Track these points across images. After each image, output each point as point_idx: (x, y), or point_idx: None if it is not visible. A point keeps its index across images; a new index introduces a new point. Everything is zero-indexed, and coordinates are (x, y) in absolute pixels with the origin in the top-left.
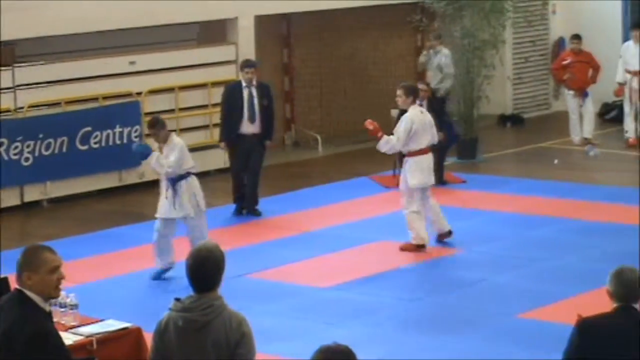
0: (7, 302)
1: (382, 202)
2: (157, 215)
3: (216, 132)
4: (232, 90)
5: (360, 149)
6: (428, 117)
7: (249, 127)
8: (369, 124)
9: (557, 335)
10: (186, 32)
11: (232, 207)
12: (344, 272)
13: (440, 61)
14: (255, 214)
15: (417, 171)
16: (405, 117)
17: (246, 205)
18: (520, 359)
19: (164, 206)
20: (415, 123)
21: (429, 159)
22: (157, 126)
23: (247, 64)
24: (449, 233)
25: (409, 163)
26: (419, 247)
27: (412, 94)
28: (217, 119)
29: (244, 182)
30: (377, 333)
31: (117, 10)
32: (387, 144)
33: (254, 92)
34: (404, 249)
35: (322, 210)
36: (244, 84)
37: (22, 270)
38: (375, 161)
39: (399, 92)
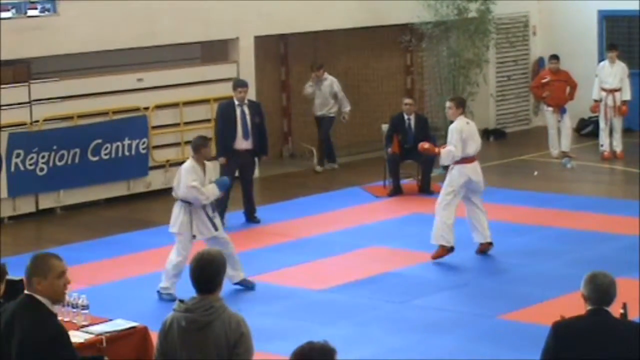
0: (19, 309)
1: (373, 210)
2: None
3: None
4: (226, 109)
5: (353, 160)
6: (473, 127)
7: (242, 143)
8: (423, 145)
9: (536, 336)
10: (190, 52)
11: (235, 214)
12: (336, 276)
13: (331, 89)
14: (255, 221)
15: (463, 177)
16: (453, 128)
17: (246, 214)
18: (500, 357)
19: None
20: (464, 132)
21: (474, 166)
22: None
23: (240, 84)
24: (489, 244)
25: (456, 169)
26: (450, 250)
27: (462, 106)
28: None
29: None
30: (366, 333)
31: (126, 30)
32: (449, 156)
33: (246, 110)
34: (436, 257)
35: (317, 218)
36: (236, 102)
37: (31, 276)
38: (367, 172)
39: (449, 104)
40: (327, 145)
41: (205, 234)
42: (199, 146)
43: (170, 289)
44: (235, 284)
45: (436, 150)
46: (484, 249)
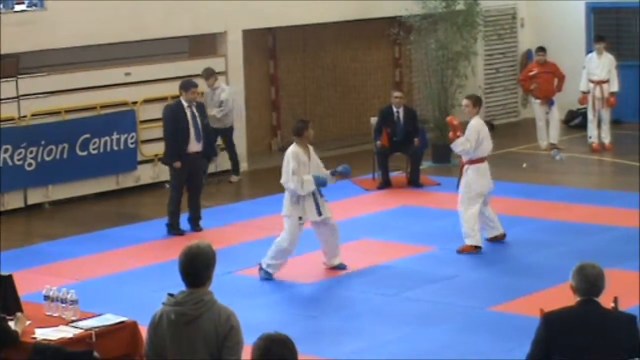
0: None
1: (363, 203)
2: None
3: None
4: (176, 110)
5: (342, 153)
6: (486, 128)
7: (195, 146)
8: (454, 120)
9: (526, 327)
10: (178, 45)
11: (228, 207)
12: (326, 269)
13: (220, 97)
14: (198, 229)
15: (482, 178)
16: (472, 126)
17: (190, 220)
18: (490, 348)
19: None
20: (481, 132)
21: (487, 166)
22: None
23: (192, 84)
24: (503, 236)
25: (472, 170)
26: (477, 248)
27: (479, 104)
28: None
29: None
30: (358, 325)
31: (113, 25)
32: (462, 146)
33: (195, 111)
34: (462, 251)
35: None
36: (185, 104)
37: None
38: (356, 165)
39: (466, 102)
40: (233, 156)
41: (310, 217)
42: (301, 129)
43: (272, 268)
44: (331, 267)
45: (458, 133)
46: (499, 239)
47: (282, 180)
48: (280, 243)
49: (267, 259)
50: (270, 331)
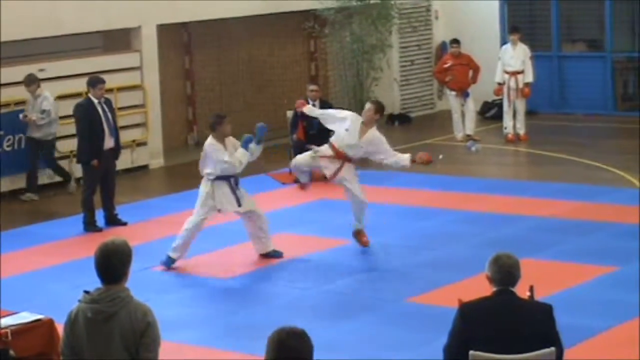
0: None
1: (280, 197)
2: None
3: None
4: (89, 108)
5: None
6: None
7: (109, 142)
8: (422, 157)
9: (444, 318)
10: (93, 41)
11: (144, 203)
12: (244, 263)
13: (42, 106)
14: (120, 222)
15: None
16: (380, 136)
17: (107, 215)
18: (409, 340)
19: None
20: None
21: None
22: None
23: (100, 81)
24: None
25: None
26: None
27: (381, 113)
28: (124, 121)
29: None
30: (275, 319)
31: (26, 20)
32: (400, 157)
33: (105, 107)
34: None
35: None
36: (95, 100)
37: None
38: (272, 159)
39: (369, 106)
40: (58, 169)
41: (229, 209)
42: (214, 124)
43: (177, 252)
44: (263, 255)
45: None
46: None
47: (200, 169)
48: (186, 225)
49: (174, 243)
50: (286, 326)
